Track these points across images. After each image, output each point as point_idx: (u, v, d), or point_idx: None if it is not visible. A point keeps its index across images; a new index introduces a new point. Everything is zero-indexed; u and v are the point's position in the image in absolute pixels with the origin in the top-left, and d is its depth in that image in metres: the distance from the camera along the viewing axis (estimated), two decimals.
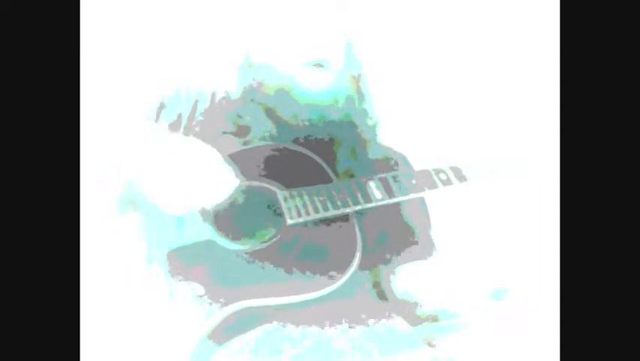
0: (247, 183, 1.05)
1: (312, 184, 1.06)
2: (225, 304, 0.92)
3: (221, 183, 1.02)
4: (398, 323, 0.98)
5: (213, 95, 1.12)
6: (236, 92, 1.13)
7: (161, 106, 1.10)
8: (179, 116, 1.11)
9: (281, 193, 1.04)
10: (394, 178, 1.08)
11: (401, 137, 1.14)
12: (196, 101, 1.12)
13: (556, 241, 0.91)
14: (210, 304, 0.92)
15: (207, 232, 0.99)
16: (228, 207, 1.03)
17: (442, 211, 1.09)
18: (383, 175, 1.08)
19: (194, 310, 0.92)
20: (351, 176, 1.10)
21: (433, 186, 1.08)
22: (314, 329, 0.95)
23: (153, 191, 0.98)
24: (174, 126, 1.10)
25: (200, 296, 0.93)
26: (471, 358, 0.96)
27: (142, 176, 1.00)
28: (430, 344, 0.95)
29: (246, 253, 0.98)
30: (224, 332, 0.92)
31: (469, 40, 1.18)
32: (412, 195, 1.08)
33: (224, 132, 1.12)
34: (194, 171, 1.01)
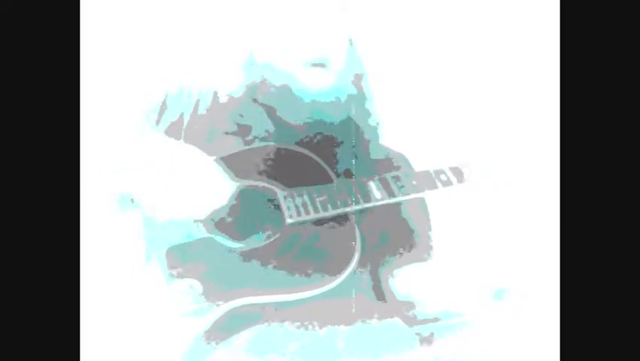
0: (247, 182, 1.06)
1: (313, 184, 1.06)
2: (224, 301, 0.93)
3: (218, 189, 1.02)
4: (397, 323, 0.98)
5: (215, 94, 1.13)
6: (237, 92, 1.14)
7: (163, 107, 1.11)
8: (181, 115, 1.11)
9: (281, 193, 1.04)
10: (395, 178, 1.08)
11: (402, 137, 1.14)
12: (197, 101, 1.12)
13: (557, 241, 0.91)
14: (208, 301, 0.92)
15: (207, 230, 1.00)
16: (228, 206, 1.03)
17: (442, 212, 1.09)
18: (383, 175, 1.08)
19: (192, 307, 0.92)
20: (352, 176, 1.10)
21: (433, 186, 1.08)
22: (312, 327, 0.95)
23: (151, 197, 0.99)
24: (175, 126, 1.10)
25: (199, 294, 0.93)
26: (472, 358, 0.96)
27: (142, 176, 1.00)
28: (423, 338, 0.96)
29: (245, 252, 0.98)
30: (222, 330, 0.92)
31: (471, 40, 1.18)
32: (413, 196, 1.07)
33: (226, 133, 1.12)
34: (190, 179, 1.01)
